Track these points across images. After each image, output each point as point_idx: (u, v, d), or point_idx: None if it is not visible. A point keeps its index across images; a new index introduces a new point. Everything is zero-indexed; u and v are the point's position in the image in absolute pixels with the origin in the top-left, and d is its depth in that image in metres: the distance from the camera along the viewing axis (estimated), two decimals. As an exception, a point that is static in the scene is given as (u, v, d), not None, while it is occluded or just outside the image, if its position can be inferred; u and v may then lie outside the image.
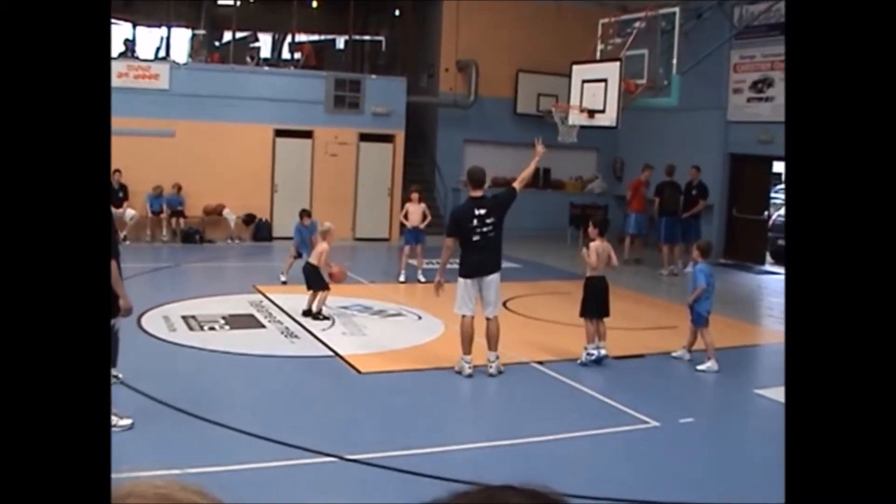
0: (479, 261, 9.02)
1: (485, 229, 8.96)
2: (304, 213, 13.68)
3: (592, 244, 9.61)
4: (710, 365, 9.64)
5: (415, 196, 14.63)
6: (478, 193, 9.10)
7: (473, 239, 8.97)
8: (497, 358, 9.11)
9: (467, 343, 8.98)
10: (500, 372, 9.07)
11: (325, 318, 11.13)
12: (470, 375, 8.86)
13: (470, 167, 9.54)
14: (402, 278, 14.58)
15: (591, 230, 9.78)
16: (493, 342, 9.10)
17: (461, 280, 9.13)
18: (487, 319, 9.11)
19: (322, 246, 11.29)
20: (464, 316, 9.04)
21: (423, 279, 14.49)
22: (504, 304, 12.35)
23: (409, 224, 14.53)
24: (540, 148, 9.73)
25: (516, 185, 9.43)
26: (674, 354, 9.92)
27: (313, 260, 11.26)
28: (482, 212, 8.98)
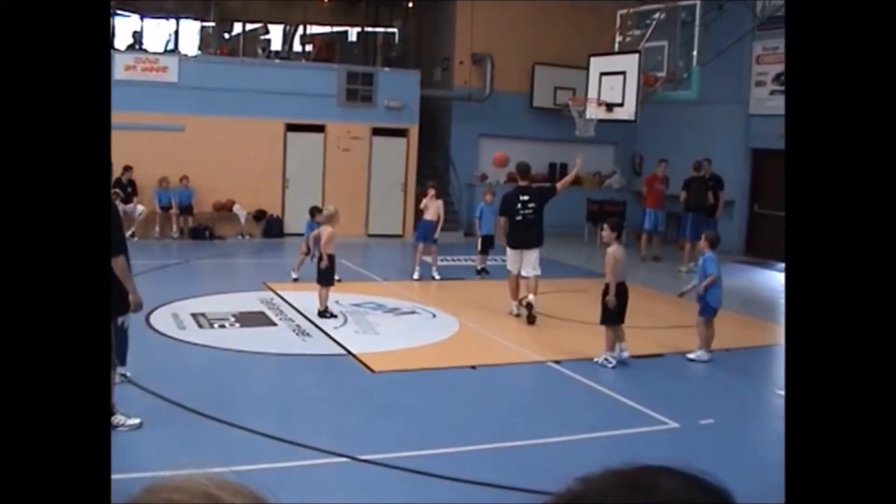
0: (519, 237, 11.70)
1: (526, 212, 11.62)
2: (315, 211, 13.67)
3: (610, 249, 9.50)
4: (699, 354, 9.67)
5: (431, 192, 14.65)
6: (524, 183, 11.91)
7: (517, 219, 11.66)
8: (531, 296, 11.42)
9: (513, 292, 11.87)
10: (530, 305, 11.38)
11: (333, 315, 11.13)
12: (518, 315, 11.67)
13: (518, 161, 12.30)
14: (416, 275, 14.59)
15: (607, 233, 9.66)
16: (530, 288, 11.53)
17: (508, 249, 11.87)
18: (527, 277, 11.65)
19: (327, 230, 11.22)
20: (510, 273, 11.85)
21: (437, 276, 14.50)
22: (521, 301, 12.40)
23: (424, 217, 14.54)
24: (579, 161, 12.76)
25: (558, 185, 12.47)
26: (689, 356, 9.84)
27: (326, 249, 11.23)
28: (525, 198, 11.67)
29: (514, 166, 12.74)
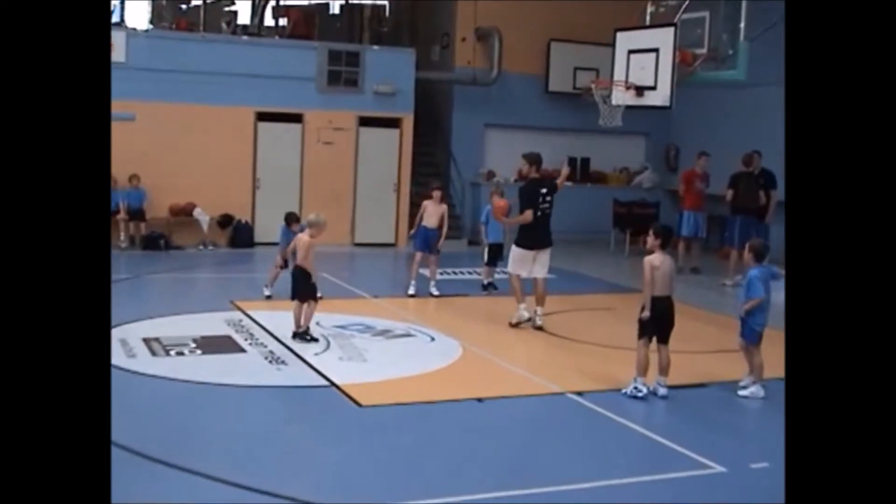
0: (536, 236, 12.36)
1: (545, 206, 12.36)
2: (292, 219, 13.58)
3: (648, 258, 9.43)
4: (754, 391, 9.60)
5: (436, 194, 14.63)
6: (538, 175, 12.62)
7: (536, 214, 12.26)
8: (541, 314, 12.41)
9: (520, 294, 12.47)
10: (541, 327, 12.34)
11: (314, 338, 11.10)
12: (529, 319, 12.38)
13: (529, 152, 12.83)
14: (411, 290, 14.57)
15: (651, 240, 9.58)
16: (541, 300, 12.46)
17: (518, 250, 12.44)
18: (536, 279, 12.46)
19: (304, 239, 11.17)
20: (516, 275, 12.44)
21: (436, 292, 14.47)
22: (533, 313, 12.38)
23: (424, 223, 14.52)
24: (565, 172, 13.50)
25: (558, 182, 12.90)
26: (741, 393, 9.76)
27: (301, 261, 11.21)
28: (544, 191, 12.39)
29: (521, 159, 12.98)
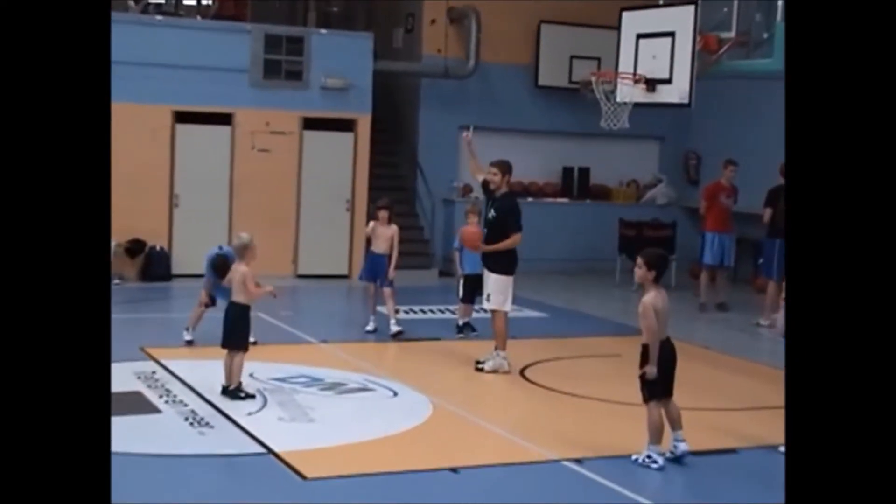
0: (516, 259, 12.95)
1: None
2: (222, 264, 12.78)
3: (647, 298, 9.33)
4: None
5: (381, 215, 14.57)
6: (508, 188, 13.23)
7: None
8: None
9: (505, 339, 12.81)
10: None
11: (249, 395, 11.02)
12: (508, 371, 12.64)
13: (497, 160, 13.22)
14: (369, 326, 14.65)
15: (642, 272, 9.45)
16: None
17: (505, 278, 12.77)
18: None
19: (240, 269, 11.08)
20: (503, 312, 12.79)
21: (396, 328, 14.40)
22: (521, 371, 12.35)
23: (372, 248, 14.53)
24: (468, 135, 13.93)
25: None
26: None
27: (239, 296, 11.08)
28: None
29: (498, 166, 13.17)
